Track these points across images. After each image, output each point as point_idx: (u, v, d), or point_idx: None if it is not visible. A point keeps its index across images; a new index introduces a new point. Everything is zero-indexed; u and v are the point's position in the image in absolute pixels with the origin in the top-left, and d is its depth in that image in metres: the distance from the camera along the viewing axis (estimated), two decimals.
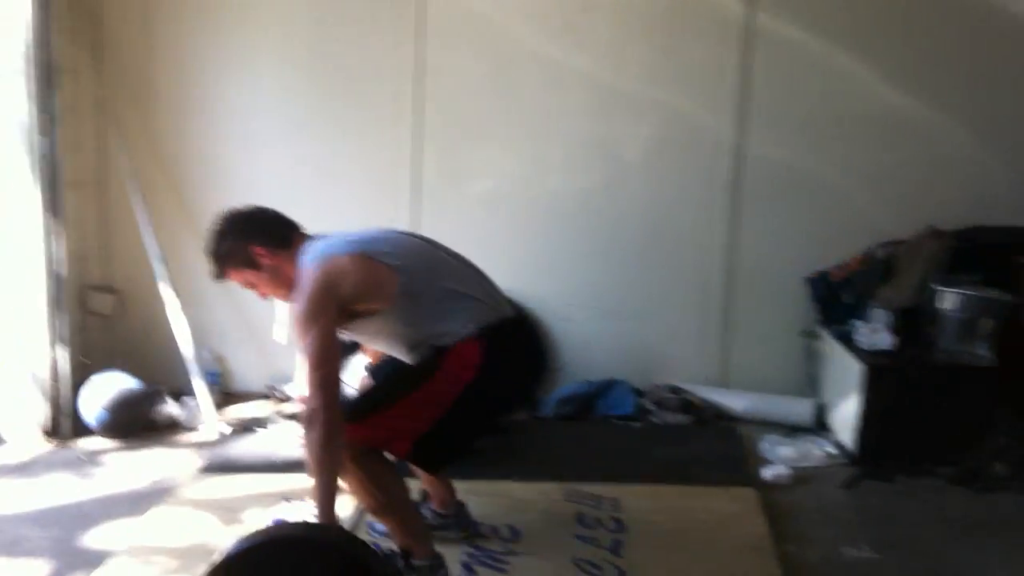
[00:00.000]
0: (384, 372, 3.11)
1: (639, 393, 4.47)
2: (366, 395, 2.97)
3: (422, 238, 3.05)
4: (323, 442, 2.54)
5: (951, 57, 4.34)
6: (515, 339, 2.96)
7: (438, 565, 2.89)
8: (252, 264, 2.86)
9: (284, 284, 2.87)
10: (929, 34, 4.33)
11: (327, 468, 2.54)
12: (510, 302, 3.03)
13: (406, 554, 2.84)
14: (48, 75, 4.05)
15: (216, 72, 4.57)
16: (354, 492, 2.79)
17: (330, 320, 2.66)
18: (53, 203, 4.11)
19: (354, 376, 3.33)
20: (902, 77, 4.35)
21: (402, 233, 3.09)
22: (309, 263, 2.77)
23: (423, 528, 3.02)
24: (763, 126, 4.42)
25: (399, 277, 2.77)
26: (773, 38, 4.36)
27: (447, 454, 2.97)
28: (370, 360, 3.30)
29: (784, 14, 4.35)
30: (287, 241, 2.88)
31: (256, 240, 2.86)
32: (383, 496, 2.79)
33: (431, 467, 3.03)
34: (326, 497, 2.53)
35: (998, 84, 4.34)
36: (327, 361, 2.61)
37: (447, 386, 2.78)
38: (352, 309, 2.75)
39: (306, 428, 2.57)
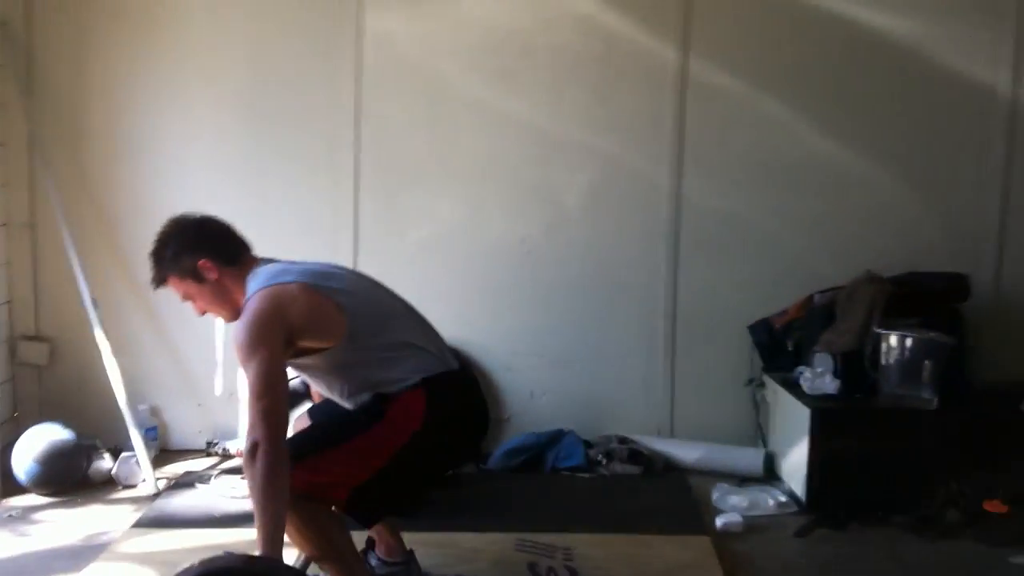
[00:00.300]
0: (326, 414, 3.02)
1: (588, 444, 4.41)
2: (305, 436, 2.85)
3: (371, 280, 2.99)
4: (266, 473, 2.43)
5: (883, 107, 4.42)
6: (459, 391, 2.91)
7: None
8: (196, 276, 2.79)
9: (226, 302, 2.81)
10: (859, 84, 4.41)
11: (271, 501, 2.43)
12: (454, 353, 2.98)
13: None
14: None
15: (150, 112, 4.48)
16: (292, 539, 2.63)
17: (276, 348, 2.57)
18: None
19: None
20: (834, 126, 4.43)
21: (352, 272, 3.04)
22: (257, 287, 2.69)
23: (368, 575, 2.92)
24: (699, 173, 4.46)
25: (347, 318, 2.71)
26: (705, 85, 4.42)
27: (385, 506, 2.89)
28: (313, 399, 3.23)
29: (715, 60, 4.41)
30: (236, 259, 2.81)
31: (204, 252, 2.78)
32: (323, 542, 2.67)
33: (367, 518, 2.90)
34: (271, 532, 2.41)
35: (931, 133, 4.43)
36: (271, 389, 2.51)
37: (390, 435, 2.71)
38: (296, 344, 2.67)
39: (247, 461, 2.47)
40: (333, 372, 2.81)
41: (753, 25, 4.42)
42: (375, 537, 3.16)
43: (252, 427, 2.49)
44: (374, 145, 4.49)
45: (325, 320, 2.70)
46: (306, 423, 3.15)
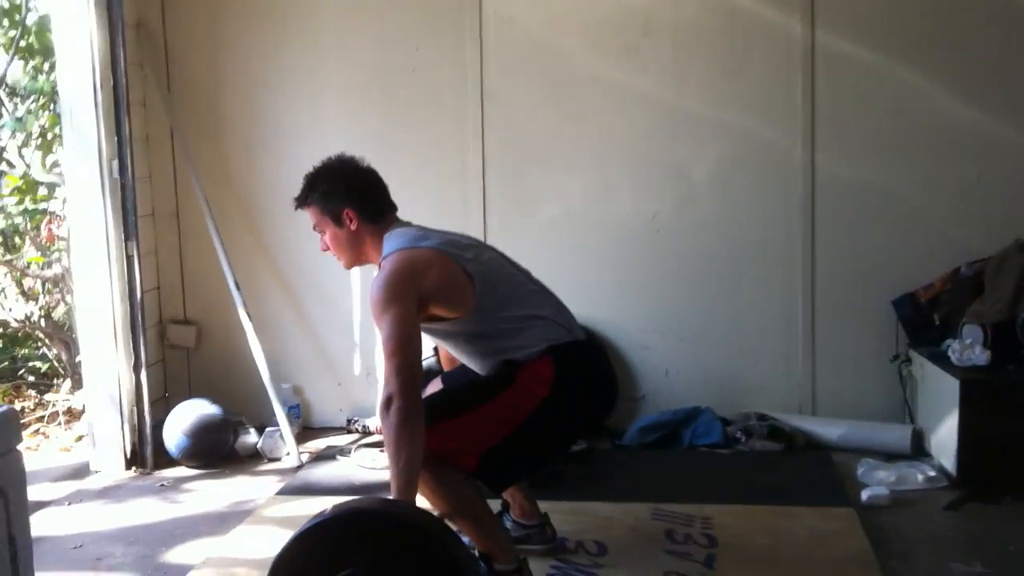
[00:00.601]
0: (457, 380, 3.05)
1: (725, 421, 4.34)
2: (437, 400, 2.88)
3: (502, 254, 3.01)
4: (400, 423, 2.46)
5: (1020, 70, 4.23)
6: (587, 361, 2.91)
7: (522, 570, 2.78)
8: (336, 220, 2.87)
9: (353, 251, 2.89)
10: (999, 49, 4.22)
11: (405, 449, 2.46)
12: (584, 329, 2.98)
13: (487, 559, 2.74)
14: (119, 103, 4.13)
15: (283, 102, 4.62)
16: (426, 497, 2.66)
17: (410, 306, 2.61)
18: (132, 230, 4.17)
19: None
20: (974, 92, 4.24)
21: (486, 245, 3.08)
22: (395, 247, 2.75)
23: (503, 534, 2.93)
24: (833, 144, 4.34)
25: (476, 289, 2.74)
26: (834, 55, 4.29)
27: (514, 472, 2.91)
28: (444, 365, 3.26)
29: (843, 29, 4.28)
30: (379, 217, 2.88)
31: (352, 202, 2.85)
32: (455, 500, 2.69)
33: (496, 483, 2.91)
34: (405, 479, 2.44)
35: None
36: (404, 345, 2.55)
37: (520, 401, 2.73)
38: (427, 309, 2.71)
39: (382, 413, 2.51)
40: (463, 339, 2.84)
41: None
42: (509, 500, 3.18)
43: (387, 382, 2.54)
44: (500, 125, 4.52)
45: (456, 289, 2.73)
46: (440, 388, 3.18)
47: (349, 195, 2.86)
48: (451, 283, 2.73)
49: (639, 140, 4.49)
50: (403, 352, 2.55)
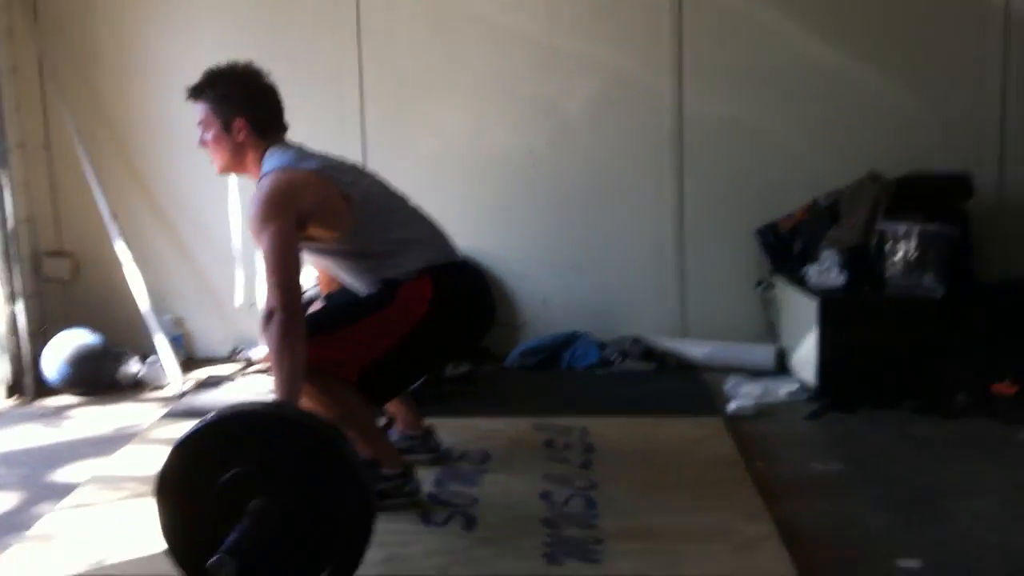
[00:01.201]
0: (338, 299, 3.13)
1: (602, 345, 4.51)
2: (319, 315, 2.96)
3: (382, 181, 3.06)
4: (281, 332, 2.53)
5: (881, 10, 4.46)
6: (464, 280, 3.02)
7: (407, 475, 2.89)
8: (226, 125, 2.85)
9: (233, 161, 2.89)
10: None
11: (287, 357, 2.53)
12: (457, 251, 3.07)
13: (374, 465, 2.83)
14: None
15: (156, 30, 4.55)
16: (309, 406, 2.71)
17: (288, 223, 2.65)
18: (1, 160, 4.09)
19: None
20: (833, 31, 4.46)
21: (366, 171, 3.11)
22: (274, 166, 2.78)
23: (388, 441, 3.02)
24: (700, 81, 4.52)
25: (354, 211, 2.80)
26: None
27: (393, 386, 3.01)
28: (323, 289, 3.32)
29: None
30: (268, 133, 2.89)
31: (247, 114, 2.85)
32: (338, 408, 2.75)
33: (377, 396, 2.98)
34: (288, 385, 2.51)
35: (930, 35, 4.46)
36: (284, 259, 2.61)
37: (400, 316, 2.82)
38: (306, 228, 2.76)
39: (263, 325, 2.57)
40: (343, 258, 2.90)
41: None
42: (394, 414, 3.27)
43: (268, 295, 2.60)
44: (378, 60, 4.56)
45: (333, 210, 2.78)
46: (321, 306, 3.24)
47: (246, 105, 2.86)
48: (329, 204, 2.78)
49: (513, 76, 4.59)
50: (283, 266, 2.61)
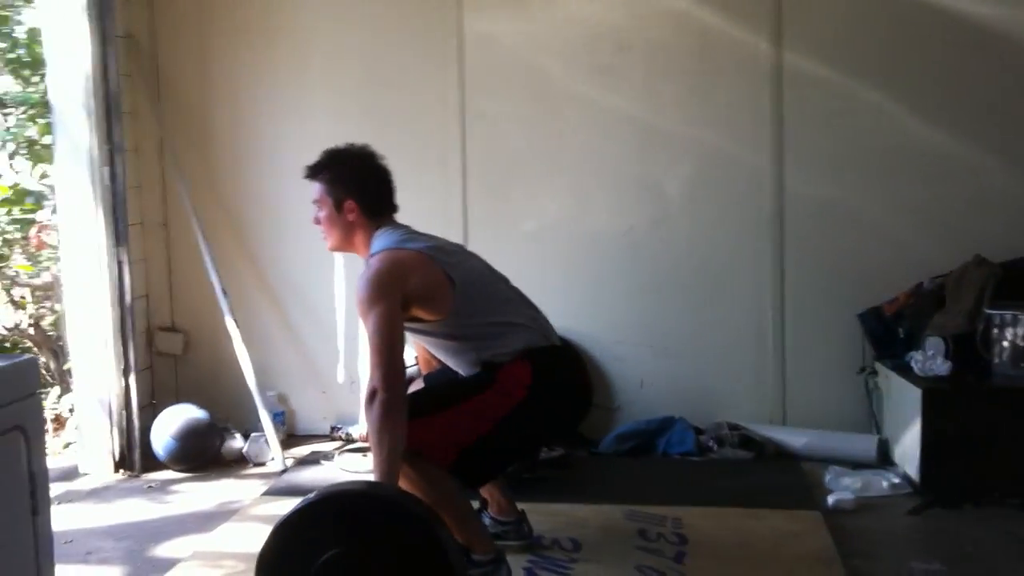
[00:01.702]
0: (438, 380, 3.18)
1: (698, 431, 4.47)
2: (419, 397, 3.01)
3: (485, 263, 3.15)
4: (382, 414, 2.60)
5: (984, 92, 4.38)
6: (563, 365, 3.06)
7: (499, 561, 2.90)
8: (337, 205, 2.98)
9: (344, 239, 3.02)
10: (959, 71, 4.38)
11: (387, 438, 2.59)
12: (561, 339, 3.12)
13: (466, 550, 2.85)
14: (110, 109, 4.26)
15: (271, 117, 4.74)
16: (405, 488, 2.74)
17: (394, 304, 2.74)
18: (122, 237, 4.29)
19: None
20: (936, 113, 4.41)
21: (470, 253, 3.19)
22: (384, 246, 2.88)
23: (482, 526, 3.05)
24: (801, 162, 4.49)
25: (456, 294, 2.87)
26: (801, 75, 4.44)
27: (489, 469, 3.04)
28: (423, 368, 3.38)
29: (809, 50, 4.44)
30: (377, 215, 3.00)
31: (357, 196, 2.97)
32: (435, 492, 2.77)
33: (472, 479, 3.02)
34: (387, 467, 2.57)
35: None
36: (389, 341, 2.69)
37: (497, 401, 2.86)
38: (409, 310, 2.83)
39: (367, 406, 2.64)
40: (444, 340, 2.97)
41: (845, 14, 4.45)
42: (488, 498, 3.30)
43: (371, 375, 2.67)
44: (480, 142, 4.66)
45: (437, 292, 2.86)
46: (421, 387, 3.29)
47: (356, 187, 2.98)
48: (433, 285, 2.86)
49: (613, 157, 4.63)
50: (387, 347, 2.68)
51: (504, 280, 3.12)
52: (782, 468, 4.20)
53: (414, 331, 2.97)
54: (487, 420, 2.85)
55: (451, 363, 3.03)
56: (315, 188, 3.03)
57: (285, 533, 2.30)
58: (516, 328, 2.95)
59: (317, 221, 3.06)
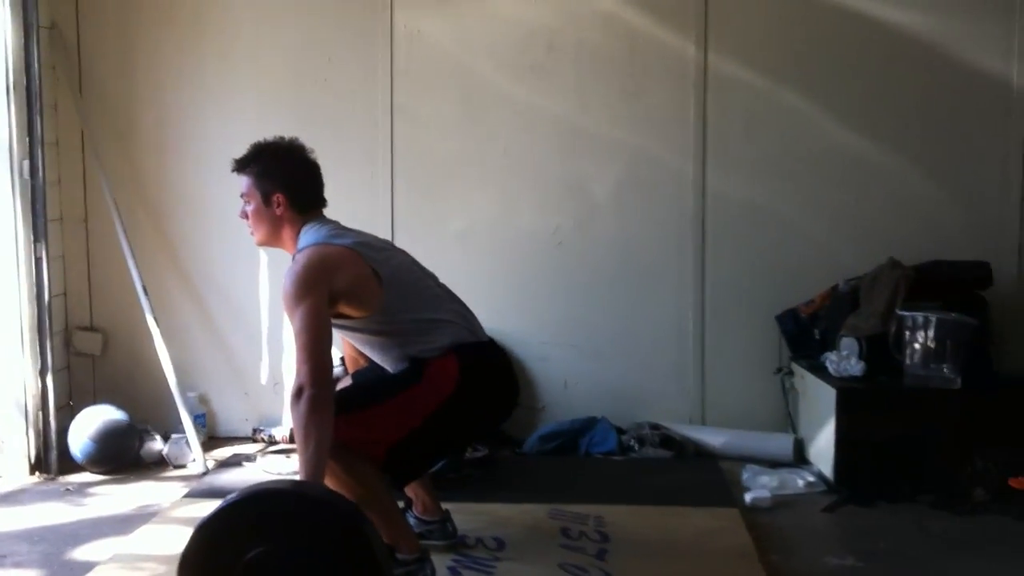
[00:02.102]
0: (366, 377, 3.18)
1: (620, 431, 4.52)
2: (347, 392, 3.01)
3: (412, 259, 3.16)
4: (309, 411, 2.58)
5: (903, 99, 4.52)
6: (490, 361, 3.09)
7: (424, 560, 2.92)
8: (265, 199, 2.97)
9: (271, 234, 3.01)
10: (879, 77, 4.52)
11: (313, 434, 2.57)
12: (484, 331, 3.14)
13: (391, 549, 2.84)
14: (31, 104, 4.16)
15: (194, 108, 4.68)
16: (333, 486, 2.72)
17: (321, 300, 2.73)
18: (41, 233, 4.19)
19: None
20: (856, 118, 4.53)
21: (399, 249, 3.20)
22: (311, 241, 2.88)
23: (407, 525, 3.05)
24: (723, 165, 4.58)
25: (384, 290, 2.87)
26: (726, 80, 4.54)
27: (417, 466, 3.05)
28: (349, 367, 3.37)
29: (734, 55, 4.54)
30: (306, 209, 2.99)
31: (286, 190, 2.96)
32: (362, 489, 2.77)
33: (401, 476, 3.03)
34: (313, 464, 2.55)
35: (952, 124, 4.52)
36: (316, 336, 2.68)
37: (426, 396, 2.88)
38: (336, 306, 2.83)
39: (293, 402, 2.63)
40: (372, 337, 2.97)
41: (769, 20, 4.56)
42: (412, 497, 3.31)
43: (298, 372, 2.66)
44: (408, 140, 4.66)
45: (365, 288, 2.86)
46: (349, 384, 3.29)
47: (285, 181, 2.97)
48: (361, 282, 2.86)
49: (541, 157, 4.67)
50: (314, 343, 2.67)
51: (432, 277, 3.13)
52: (701, 467, 4.28)
53: (341, 327, 2.97)
54: (416, 415, 2.86)
55: (378, 359, 3.04)
56: (243, 182, 3.02)
57: (208, 531, 2.28)
58: (444, 324, 2.97)
59: (244, 215, 3.04)
